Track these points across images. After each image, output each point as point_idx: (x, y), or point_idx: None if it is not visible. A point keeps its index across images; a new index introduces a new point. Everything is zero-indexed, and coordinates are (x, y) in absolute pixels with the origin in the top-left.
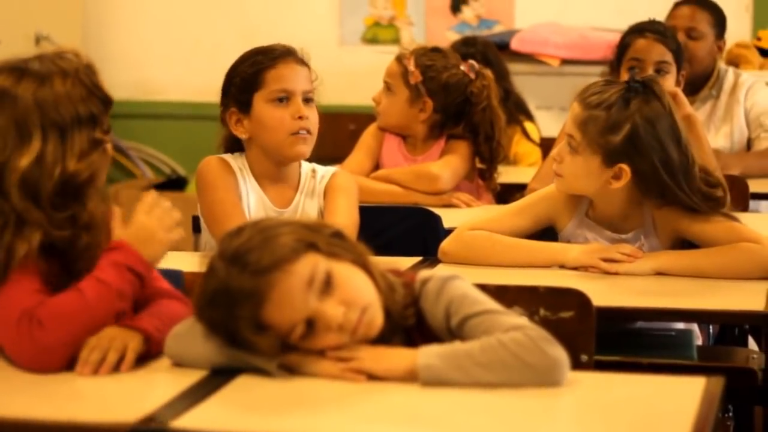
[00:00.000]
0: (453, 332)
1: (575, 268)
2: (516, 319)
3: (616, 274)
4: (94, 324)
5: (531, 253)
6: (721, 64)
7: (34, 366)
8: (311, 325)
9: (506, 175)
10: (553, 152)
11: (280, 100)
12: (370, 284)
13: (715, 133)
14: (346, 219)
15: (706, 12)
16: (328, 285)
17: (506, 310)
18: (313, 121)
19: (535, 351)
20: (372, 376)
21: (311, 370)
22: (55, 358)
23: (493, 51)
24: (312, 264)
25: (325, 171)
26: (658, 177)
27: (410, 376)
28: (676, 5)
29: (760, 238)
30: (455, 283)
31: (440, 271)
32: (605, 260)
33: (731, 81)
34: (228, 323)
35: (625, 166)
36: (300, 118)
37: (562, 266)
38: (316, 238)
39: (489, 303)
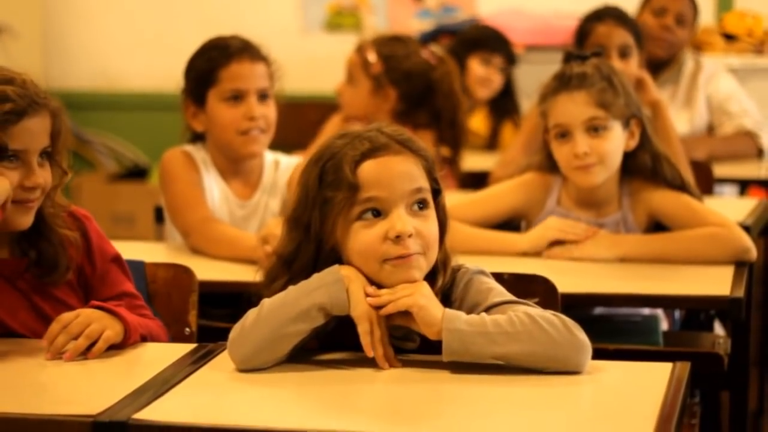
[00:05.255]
0: None
1: (539, 254)
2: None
3: (580, 259)
4: None
5: (488, 242)
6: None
7: None
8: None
9: (480, 162)
10: (519, 140)
11: (234, 98)
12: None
13: (676, 119)
14: None
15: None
16: (420, 207)
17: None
18: (267, 118)
19: (564, 330)
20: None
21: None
22: None
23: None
24: (425, 180)
25: (288, 162)
26: (645, 126)
27: (436, 333)
28: None
29: (725, 221)
30: (482, 278)
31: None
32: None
33: (691, 66)
34: (326, 173)
35: (635, 120)
36: (252, 118)
37: (524, 254)
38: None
39: (514, 298)
